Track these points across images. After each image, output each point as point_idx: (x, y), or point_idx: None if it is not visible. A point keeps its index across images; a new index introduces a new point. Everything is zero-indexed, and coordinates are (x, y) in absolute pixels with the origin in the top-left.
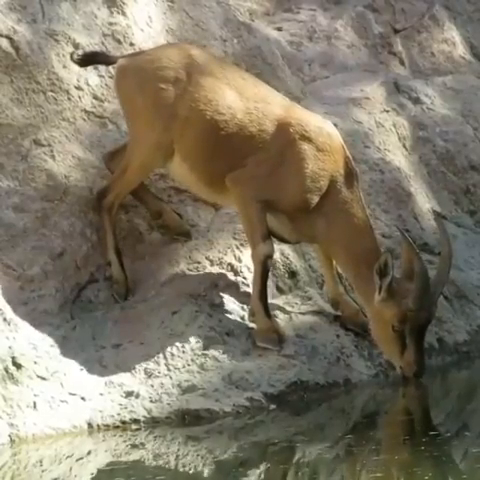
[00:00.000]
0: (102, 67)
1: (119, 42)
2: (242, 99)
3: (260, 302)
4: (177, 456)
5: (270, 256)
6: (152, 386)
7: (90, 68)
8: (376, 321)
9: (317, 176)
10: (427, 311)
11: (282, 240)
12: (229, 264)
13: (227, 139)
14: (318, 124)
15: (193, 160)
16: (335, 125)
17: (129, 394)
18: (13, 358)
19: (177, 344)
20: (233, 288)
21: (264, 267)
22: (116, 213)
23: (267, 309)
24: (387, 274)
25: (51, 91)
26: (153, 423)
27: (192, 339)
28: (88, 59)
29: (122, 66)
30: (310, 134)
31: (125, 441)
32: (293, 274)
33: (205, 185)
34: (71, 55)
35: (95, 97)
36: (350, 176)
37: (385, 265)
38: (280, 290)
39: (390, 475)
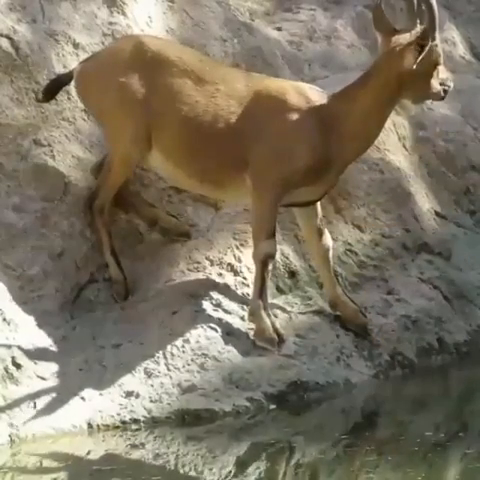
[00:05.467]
0: None
1: None
2: (203, 83)
3: (260, 301)
4: (177, 456)
5: (271, 256)
6: (152, 386)
7: None
8: (420, 78)
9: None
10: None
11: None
12: (229, 264)
13: (203, 128)
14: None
15: (177, 156)
16: None
17: (129, 394)
18: (13, 358)
19: (177, 344)
20: (233, 288)
21: (264, 266)
22: (108, 214)
23: (267, 309)
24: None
25: None
26: (153, 423)
27: (192, 339)
28: (52, 89)
29: (79, 72)
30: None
31: (125, 441)
32: (293, 274)
33: (198, 182)
34: (36, 97)
35: None
36: None
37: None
38: (280, 290)
39: (384, 476)
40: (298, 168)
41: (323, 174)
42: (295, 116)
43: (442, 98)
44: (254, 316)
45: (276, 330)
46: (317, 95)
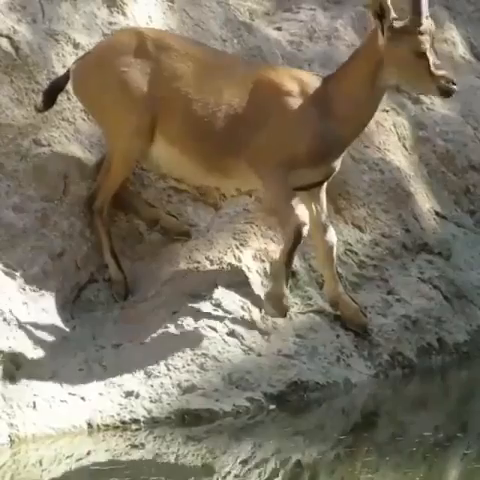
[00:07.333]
0: None
1: None
2: (207, 68)
3: (285, 268)
4: (177, 456)
5: (305, 224)
6: (152, 386)
7: None
8: (397, 65)
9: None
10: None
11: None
12: (229, 264)
13: (206, 113)
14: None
15: (183, 142)
16: None
17: (129, 394)
18: (13, 358)
19: (177, 344)
20: (233, 288)
21: (299, 235)
22: (108, 214)
23: (289, 278)
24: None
25: None
26: (153, 423)
27: (192, 339)
28: (51, 95)
29: (76, 70)
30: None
31: (125, 441)
32: (293, 274)
33: (204, 170)
34: (35, 108)
35: None
36: None
37: (381, 8)
38: None
39: (383, 476)
40: (299, 152)
41: (324, 156)
42: (293, 101)
43: (440, 95)
44: (275, 279)
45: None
46: (313, 79)
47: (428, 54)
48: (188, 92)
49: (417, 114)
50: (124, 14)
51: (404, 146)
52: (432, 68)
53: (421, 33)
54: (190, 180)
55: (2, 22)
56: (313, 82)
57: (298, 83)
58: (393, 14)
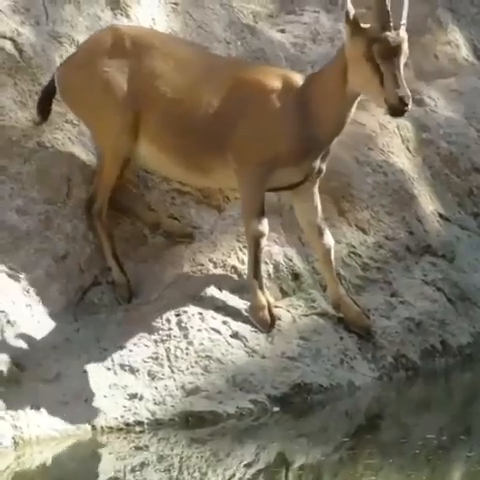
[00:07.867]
0: None
1: None
2: (185, 65)
3: (255, 281)
4: (181, 458)
5: (262, 234)
6: (156, 388)
7: None
8: (352, 66)
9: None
10: (393, 29)
11: (293, 186)
12: (233, 266)
13: (186, 111)
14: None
15: (161, 140)
16: None
17: (133, 396)
18: (16, 360)
19: (181, 346)
20: (237, 290)
21: (257, 245)
22: (108, 216)
23: (262, 288)
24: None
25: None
26: (157, 425)
27: (196, 341)
28: (44, 105)
29: (60, 74)
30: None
31: (129, 443)
32: (296, 276)
33: (184, 168)
34: (34, 122)
35: None
36: None
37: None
38: (284, 292)
39: (386, 478)
40: (279, 150)
41: (302, 155)
42: (275, 99)
43: (388, 111)
44: (250, 295)
45: (270, 310)
46: (298, 77)
47: (381, 61)
48: (166, 91)
49: (420, 116)
50: (128, 16)
51: (407, 148)
52: (387, 79)
53: (377, 39)
54: (175, 179)
55: (6, 24)
56: (297, 80)
57: (282, 81)
58: (351, 11)
